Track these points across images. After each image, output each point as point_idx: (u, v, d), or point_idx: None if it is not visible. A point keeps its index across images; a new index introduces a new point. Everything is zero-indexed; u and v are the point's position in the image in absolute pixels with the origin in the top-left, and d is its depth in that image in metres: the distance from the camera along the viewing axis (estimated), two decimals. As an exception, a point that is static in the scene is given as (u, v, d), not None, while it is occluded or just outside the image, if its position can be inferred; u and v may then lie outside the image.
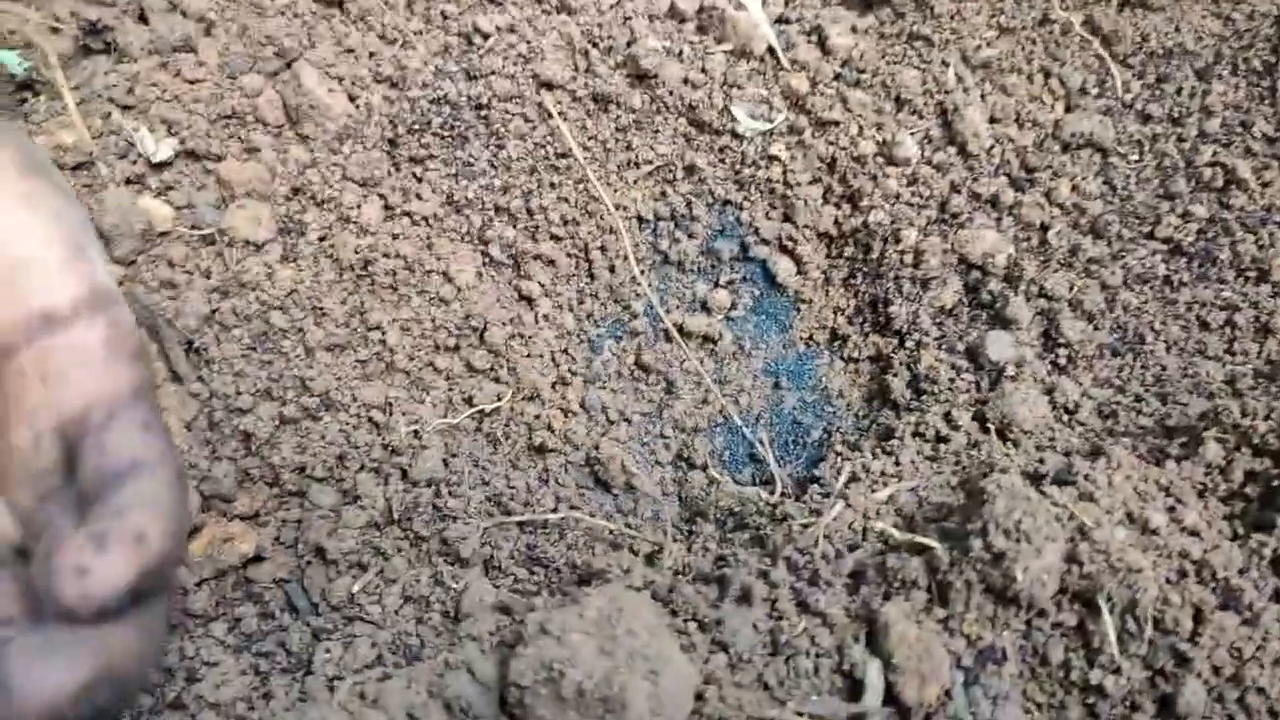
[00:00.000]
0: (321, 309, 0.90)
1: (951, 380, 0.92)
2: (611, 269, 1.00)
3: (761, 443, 0.95)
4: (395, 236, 0.93)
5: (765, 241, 1.03)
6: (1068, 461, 0.76)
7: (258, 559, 0.87)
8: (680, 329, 1.00)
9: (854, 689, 0.68)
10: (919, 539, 0.71)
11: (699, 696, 0.66)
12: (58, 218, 0.47)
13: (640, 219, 1.02)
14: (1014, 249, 0.97)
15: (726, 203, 1.02)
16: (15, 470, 0.44)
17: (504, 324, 0.95)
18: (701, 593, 0.72)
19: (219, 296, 0.90)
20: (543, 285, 0.97)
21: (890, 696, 0.67)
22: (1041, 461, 0.81)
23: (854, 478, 0.84)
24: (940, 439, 0.88)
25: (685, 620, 0.70)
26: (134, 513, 0.43)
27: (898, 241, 0.99)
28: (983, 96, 1.01)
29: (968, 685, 0.68)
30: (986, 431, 0.88)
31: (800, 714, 0.65)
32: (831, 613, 0.69)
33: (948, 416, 0.89)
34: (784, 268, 1.02)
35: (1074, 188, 1.00)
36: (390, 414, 0.89)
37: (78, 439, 0.44)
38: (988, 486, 0.70)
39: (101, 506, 0.43)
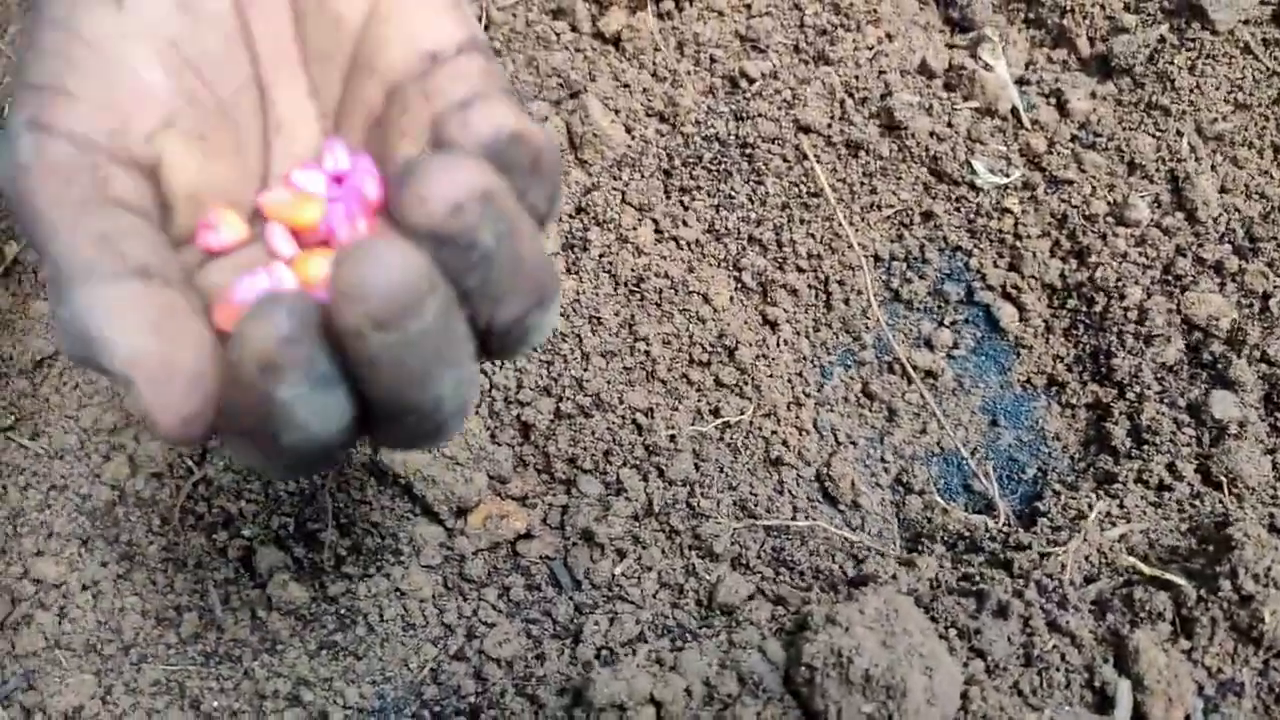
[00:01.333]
0: (598, 318, 1.00)
1: (1174, 433, 0.98)
2: (846, 302, 1.09)
3: (986, 475, 1.02)
4: (664, 258, 1.03)
5: (991, 288, 1.10)
6: (1304, 518, 0.82)
7: (527, 536, 0.97)
8: (905, 362, 1.08)
9: (1101, 704, 0.75)
10: (1167, 575, 0.77)
11: (964, 695, 0.73)
12: None
13: (876, 258, 1.10)
14: (1237, 314, 1.03)
15: (957, 249, 1.10)
16: None
17: (750, 345, 1.04)
18: (960, 604, 0.79)
19: (506, 299, 1.01)
20: (786, 312, 1.06)
21: (1137, 714, 0.73)
22: (1271, 516, 0.86)
23: (1083, 515, 0.91)
24: (1164, 487, 0.94)
25: (946, 626, 0.78)
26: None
27: (1122, 298, 1.05)
28: (1214, 167, 1.07)
29: (1207, 713, 0.75)
30: (1209, 484, 0.93)
31: (1056, 721, 0.72)
32: (1080, 634, 0.76)
33: (1171, 467, 0.95)
34: (1007, 313, 1.09)
35: (1298, 260, 1.04)
36: (651, 418, 0.99)
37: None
38: (1235, 534, 0.77)
39: None
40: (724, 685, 0.74)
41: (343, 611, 0.95)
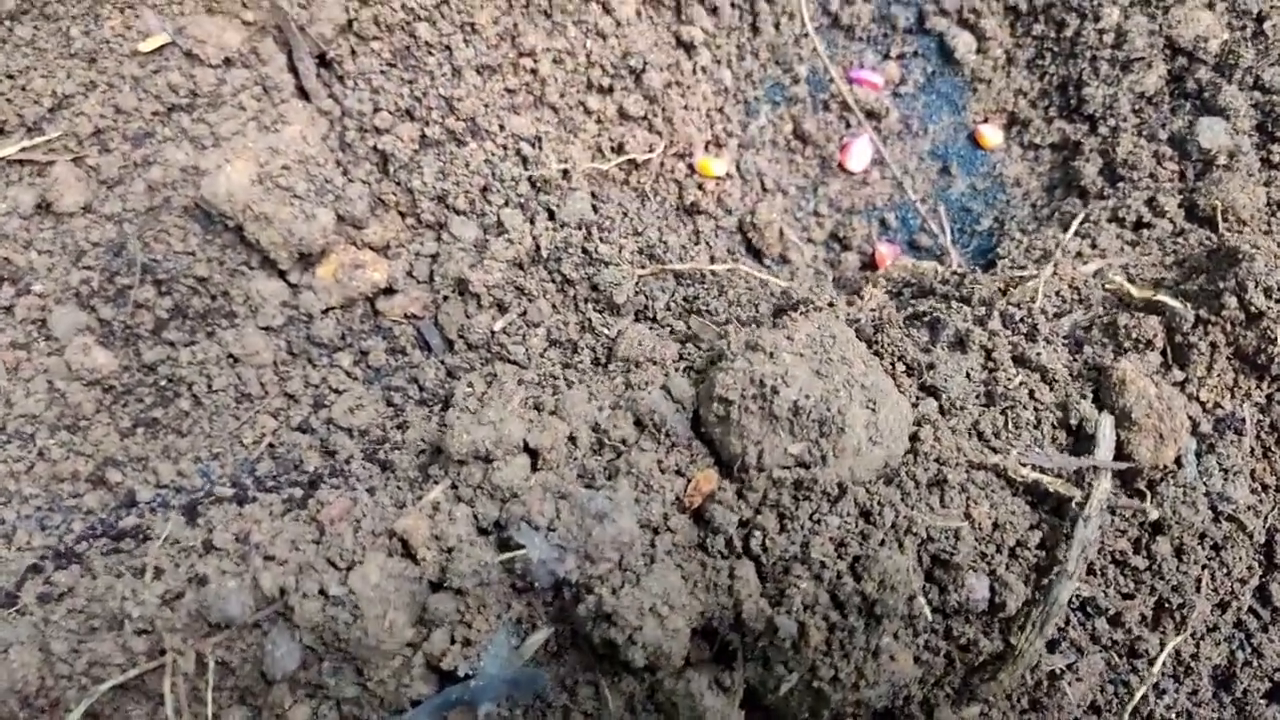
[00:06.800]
0: (472, 25, 0.81)
1: (1154, 168, 0.84)
2: (777, 26, 0.91)
3: (939, 223, 0.87)
4: (554, -45, 0.84)
5: (945, 13, 0.93)
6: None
7: (389, 291, 0.80)
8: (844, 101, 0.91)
9: (1078, 445, 0.61)
10: (1159, 297, 0.63)
11: (912, 437, 0.59)
12: None
13: (812, -27, 0.92)
14: (1228, 35, 0.88)
15: (908, -36, 0.93)
16: None
17: (661, 70, 0.86)
18: (910, 337, 0.65)
19: (358, 4, 0.81)
20: (705, 33, 0.88)
21: (1120, 454, 0.60)
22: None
23: (1049, 254, 0.77)
24: (1142, 224, 0.80)
25: (892, 362, 0.64)
26: None
27: (1097, 20, 0.89)
28: None
29: (1200, 454, 0.62)
30: (1194, 220, 0.80)
31: (1024, 464, 0.59)
32: (1053, 368, 0.63)
33: (1151, 203, 0.81)
34: (963, 43, 0.92)
35: (1299, -24, 0.89)
36: (539, 148, 0.81)
37: None
38: (1242, 246, 0.63)
39: None
40: (617, 429, 0.59)
41: (162, 383, 0.78)
